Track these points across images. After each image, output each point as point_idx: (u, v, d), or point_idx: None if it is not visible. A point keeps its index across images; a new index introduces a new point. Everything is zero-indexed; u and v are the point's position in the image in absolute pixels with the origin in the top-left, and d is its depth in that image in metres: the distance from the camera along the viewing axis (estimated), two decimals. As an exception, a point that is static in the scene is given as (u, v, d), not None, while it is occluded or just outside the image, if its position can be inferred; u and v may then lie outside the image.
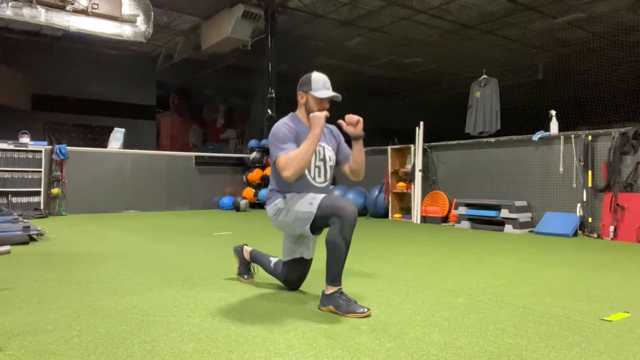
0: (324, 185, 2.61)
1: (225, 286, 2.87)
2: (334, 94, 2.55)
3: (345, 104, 2.76)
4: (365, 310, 2.28)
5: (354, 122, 2.53)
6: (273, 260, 2.88)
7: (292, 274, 2.75)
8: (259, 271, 3.06)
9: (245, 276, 3.02)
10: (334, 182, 8.54)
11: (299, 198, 2.49)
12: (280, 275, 2.81)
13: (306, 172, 2.52)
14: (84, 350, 1.81)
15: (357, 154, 2.63)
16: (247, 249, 3.03)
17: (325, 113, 2.47)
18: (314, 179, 2.57)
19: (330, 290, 2.36)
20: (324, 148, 2.61)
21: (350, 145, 2.68)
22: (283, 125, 2.53)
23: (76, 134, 13.54)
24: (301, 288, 2.82)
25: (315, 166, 2.57)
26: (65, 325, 2.11)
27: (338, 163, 2.72)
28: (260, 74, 10.90)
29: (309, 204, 2.42)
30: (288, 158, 2.39)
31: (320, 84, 2.55)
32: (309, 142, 2.41)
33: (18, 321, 2.16)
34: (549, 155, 6.12)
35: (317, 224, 2.44)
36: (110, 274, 3.22)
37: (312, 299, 2.58)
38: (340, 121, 2.58)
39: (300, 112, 2.62)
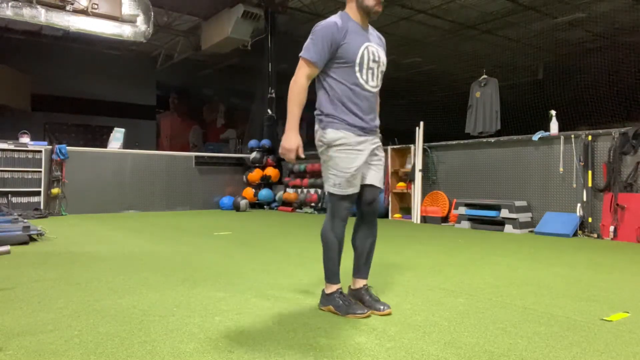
0: (375, 90, 2.38)
1: (225, 286, 2.87)
2: None
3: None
4: (365, 311, 2.27)
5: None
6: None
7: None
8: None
9: (359, 311, 2.29)
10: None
11: (338, 162, 2.28)
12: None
13: (358, 74, 2.30)
14: (84, 350, 1.82)
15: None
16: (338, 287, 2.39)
17: (293, 155, 2.23)
18: (366, 82, 2.32)
19: (330, 289, 2.35)
20: (377, 50, 2.37)
21: None
22: (329, 25, 2.26)
23: (76, 134, 13.57)
24: (301, 288, 2.83)
25: (369, 68, 2.32)
26: (65, 325, 2.11)
27: None
28: (260, 74, 10.90)
29: (333, 184, 2.29)
30: (300, 84, 2.24)
31: None
32: (290, 115, 2.24)
33: (18, 321, 2.16)
34: (549, 155, 6.12)
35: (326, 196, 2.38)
36: (111, 274, 3.22)
37: (312, 299, 2.58)
38: None
39: (349, 8, 2.35)
